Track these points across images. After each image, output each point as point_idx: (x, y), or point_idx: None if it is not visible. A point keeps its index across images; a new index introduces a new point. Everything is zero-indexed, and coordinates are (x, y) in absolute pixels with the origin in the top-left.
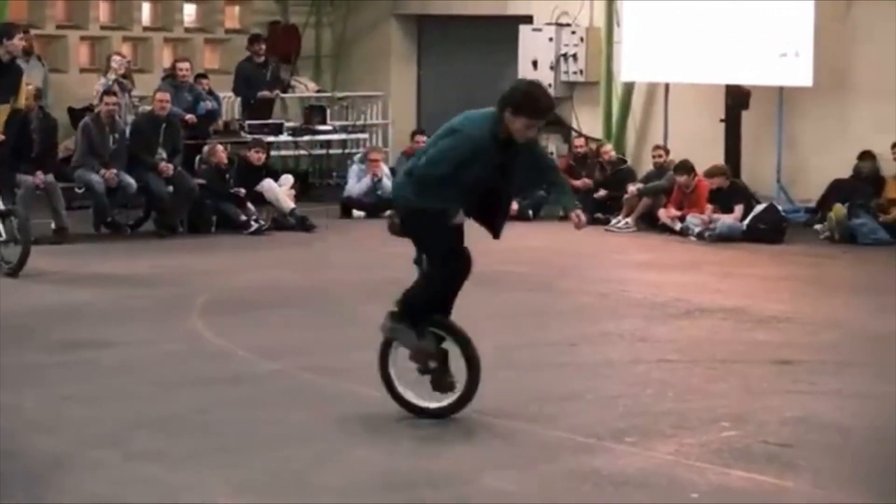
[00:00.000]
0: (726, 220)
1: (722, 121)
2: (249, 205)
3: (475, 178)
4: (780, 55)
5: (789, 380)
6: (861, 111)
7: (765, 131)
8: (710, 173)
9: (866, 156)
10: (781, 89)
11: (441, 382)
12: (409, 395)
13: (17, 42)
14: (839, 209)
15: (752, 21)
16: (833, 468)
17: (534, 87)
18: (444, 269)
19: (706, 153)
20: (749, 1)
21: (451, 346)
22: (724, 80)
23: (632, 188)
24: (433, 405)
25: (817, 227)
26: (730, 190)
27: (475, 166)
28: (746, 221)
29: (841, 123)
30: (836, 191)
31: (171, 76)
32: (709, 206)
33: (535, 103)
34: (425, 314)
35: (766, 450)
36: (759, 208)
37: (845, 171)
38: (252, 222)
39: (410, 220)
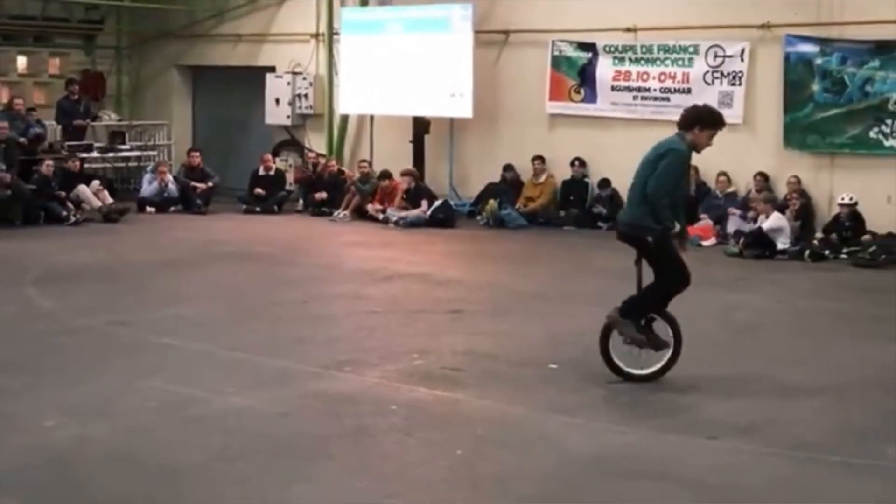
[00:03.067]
0: (415, 212)
1: (411, 142)
2: (69, 203)
3: (678, 188)
4: (451, 95)
5: (460, 324)
6: (505, 135)
7: (441, 149)
8: (403, 173)
9: (509, 167)
10: (452, 120)
11: (657, 343)
12: (622, 365)
13: None
14: (492, 204)
15: (431, 70)
16: (490, 385)
17: (711, 107)
18: (680, 279)
19: (400, 165)
20: (428, 56)
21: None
22: (412, 113)
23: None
24: (640, 372)
25: (478, 217)
26: (417, 190)
27: (682, 178)
28: (429, 212)
29: (492, 144)
30: (490, 191)
31: (7, 109)
32: (403, 202)
33: (717, 117)
34: (647, 312)
35: (443, 374)
36: (437, 203)
37: (495, 177)
38: (71, 217)
39: (658, 242)
